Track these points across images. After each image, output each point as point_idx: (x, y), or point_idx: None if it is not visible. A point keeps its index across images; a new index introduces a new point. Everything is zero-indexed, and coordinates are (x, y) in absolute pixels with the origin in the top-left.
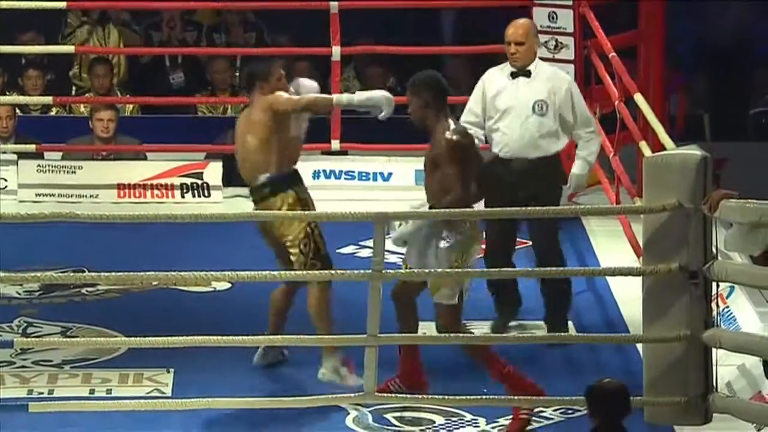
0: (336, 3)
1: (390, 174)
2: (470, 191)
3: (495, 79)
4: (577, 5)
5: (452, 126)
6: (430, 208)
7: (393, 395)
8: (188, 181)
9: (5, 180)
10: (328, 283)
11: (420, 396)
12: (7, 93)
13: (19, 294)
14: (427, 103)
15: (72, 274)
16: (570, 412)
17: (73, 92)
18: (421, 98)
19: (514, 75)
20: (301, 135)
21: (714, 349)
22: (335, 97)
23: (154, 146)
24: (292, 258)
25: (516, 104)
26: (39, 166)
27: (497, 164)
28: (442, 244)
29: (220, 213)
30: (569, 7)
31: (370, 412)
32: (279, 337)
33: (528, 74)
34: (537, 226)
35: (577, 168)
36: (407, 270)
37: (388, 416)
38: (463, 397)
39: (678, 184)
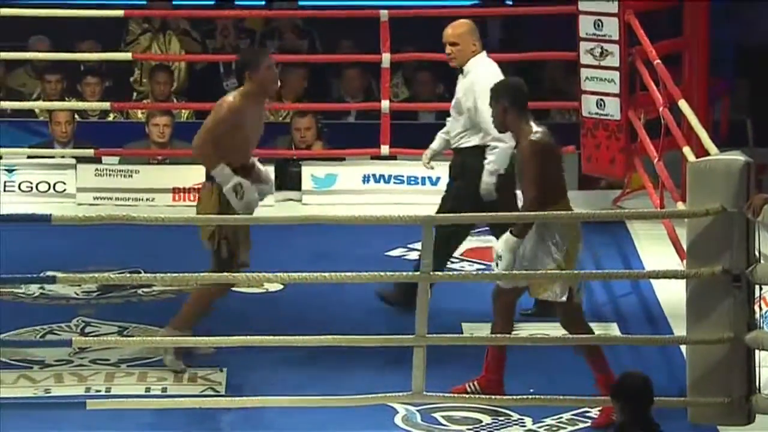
0: (386, 11)
1: (438, 178)
2: (550, 191)
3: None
4: (623, 13)
5: (534, 129)
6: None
7: (439, 395)
8: None
9: (64, 183)
10: (221, 289)
11: (467, 396)
12: (67, 99)
13: (77, 294)
14: (505, 109)
15: (128, 275)
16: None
17: (134, 97)
18: (500, 104)
19: (459, 71)
20: (255, 138)
21: (757, 351)
22: (218, 167)
23: None
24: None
25: (453, 101)
26: (97, 170)
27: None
28: (552, 241)
29: (273, 216)
30: (614, 15)
31: (418, 410)
32: (320, 337)
33: (462, 72)
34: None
35: (483, 175)
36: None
37: (437, 415)
38: (510, 397)
39: (721, 188)
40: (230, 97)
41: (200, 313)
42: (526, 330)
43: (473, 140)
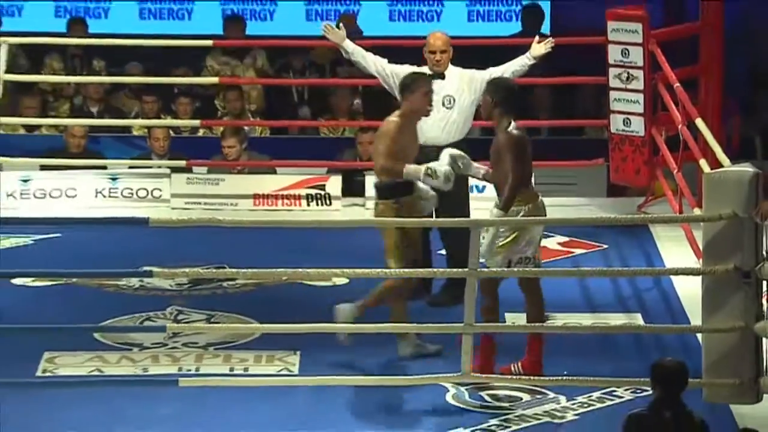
0: None
1: (484, 186)
2: (525, 177)
3: None
4: (647, 43)
5: (512, 125)
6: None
7: (485, 376)
8: (313, 192)
9: (160, 190)
10: (404, 282)
11: (509, 376)
12: (162, 116)
13: (171, 287)
14: (496, 103)
15: (215, 270)
16: (639, 391)
17: (218, 115)
18: (492, 98)
19: (432, 77)
20: (412, 153)
21: (764, 339)
22: (405, 168)
23: (285, 162)
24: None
25: (439, 101)
26: (188, 178)
27: (421, 151)
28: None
29: (339, 219)
30: (639, 44)
31: (466, 389)
32: (381, 325)
33: (443, 76)
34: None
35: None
36: (499, 269)
37: (482, 393)
38: (546, 378)
39: (733, 196)
40: (392, 118)
41: (387, 302)
42: (561, 319)
43: (456, 135)
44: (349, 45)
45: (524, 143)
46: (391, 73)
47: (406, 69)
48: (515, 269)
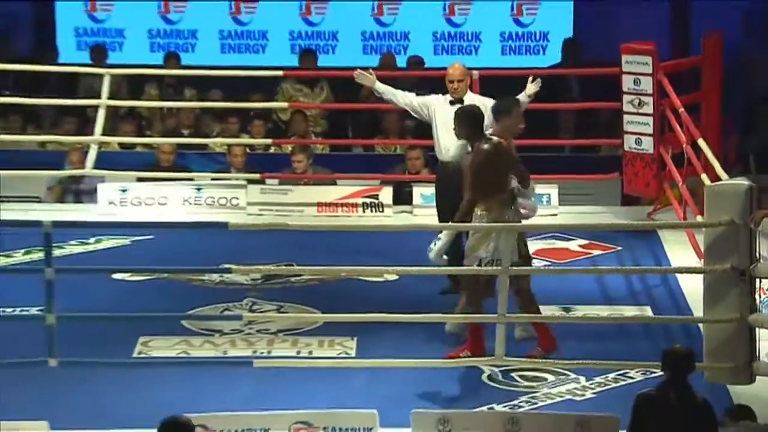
0: (477, 71)
1: None
2: (488, 187)
3: (440, 104)
4: (656, 73)
5: (482, 145)
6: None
7: (516, 359)
8: (368, 200)
9: (238, 199)
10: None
11: (535, 360)
12: (240, 136)
13: (246, 281)
14: (460, 133)
15: (284, 267)
16: (648, 373)
17: (287, 135)
18: (463, 126)
19: (452, 102)
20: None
21: (757, 329)
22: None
23: (344, 175)
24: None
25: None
26: (262, 189)
27: (445, 166)
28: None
29: (390, 224)
30: (649, 74)
31: (500, 371)
32: (426, 315)
33: (462, 101)
34: None
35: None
36: (529, 267)
37: (513, 374)
38: (568, 361)
39: (731, 206)
40: (494, 138)
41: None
42: (581, 310)
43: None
44: (379, 87)
45: (480, 165)
46: (419, 104)
47: (432, 98)
48: (542, 267)
